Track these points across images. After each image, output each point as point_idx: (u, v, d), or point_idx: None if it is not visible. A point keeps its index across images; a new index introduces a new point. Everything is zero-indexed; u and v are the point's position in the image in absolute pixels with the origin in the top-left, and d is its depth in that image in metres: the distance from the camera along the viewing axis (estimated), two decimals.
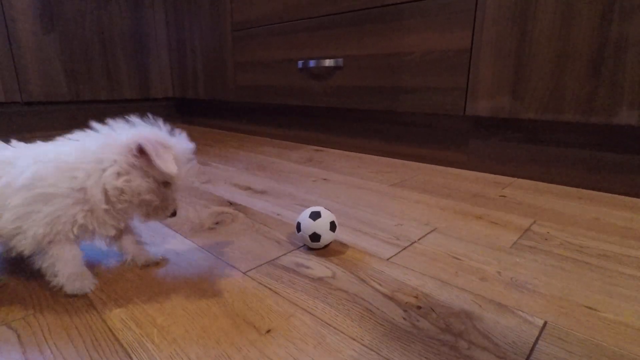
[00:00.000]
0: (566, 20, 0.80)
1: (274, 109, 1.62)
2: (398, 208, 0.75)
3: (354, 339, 0.37)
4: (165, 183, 0.46)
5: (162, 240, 0.61)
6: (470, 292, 0.45)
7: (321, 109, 1.42)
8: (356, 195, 0.83)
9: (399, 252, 0.56)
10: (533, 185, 0.92)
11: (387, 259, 0.54)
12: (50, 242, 0.42)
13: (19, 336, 0.38)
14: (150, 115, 0.47)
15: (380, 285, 0.47)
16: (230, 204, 0.78)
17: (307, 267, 0.51)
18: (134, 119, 0.46)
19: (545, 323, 0.39)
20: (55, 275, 0.44)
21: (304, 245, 0.58)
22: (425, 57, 1.04)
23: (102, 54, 1.80)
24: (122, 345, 0.37)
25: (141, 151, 0.42)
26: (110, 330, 0.39)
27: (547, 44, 0.84)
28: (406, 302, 0.43)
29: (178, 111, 2.21)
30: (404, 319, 0.40)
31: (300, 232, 0.56)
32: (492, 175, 1.00)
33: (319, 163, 1.16)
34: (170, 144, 0.44)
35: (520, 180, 0.96)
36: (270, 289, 0.46)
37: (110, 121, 0.47)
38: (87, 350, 0.36)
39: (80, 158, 0.43)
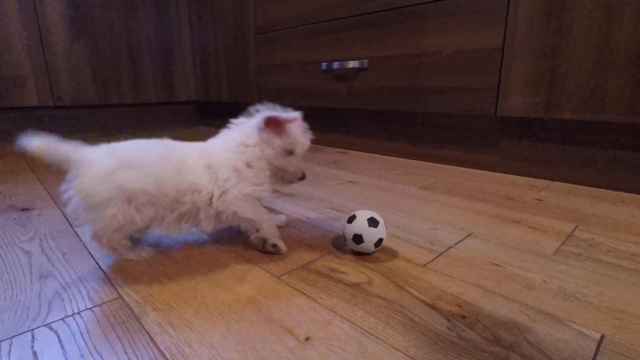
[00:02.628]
0: (607, 15, 0.76)
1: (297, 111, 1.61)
2: (430, 211, 0.73)
3: (397, 349, 0.36)
4: (289, 152, 0.57)
5: (193, 243, 0.60)
6: (517, 302, 0.43)
7: (345, 110, 1.41)
8: (385, 198, 0.82)
9: (436, 257, 0.54)
10: (570, 188, 0.87)
11: (424, 265, 0.52)
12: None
13: (58, 337, 0.38)
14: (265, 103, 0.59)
15: (419, 292, 0.45)
16: None
17: (342, 273, 0.50)
18: (260, 107, 0.58)
19: (602, 337, 0.37)
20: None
21: (339, 248, 0.57)
22: (453, 57, 1.01)
23: (129, 59, 1.84)
24: (160, 350, 0.36)
25: (267, 124, 0.55)
26: (148, 333, 0.38)
27: (586, 40, 0.80)
28: (449, 311, 0.41)
29: (201, 114, 2.24)
30: (448, 329, 0.38)
31: (363, 243, 0.52)
32: (526, 178, 0.96)
33: (344, 165, 1.15)
34: (290, 116, 0.55)
35: (556, 183, 0.92)
36: (305, 294, 0.45)
37: (251, 112, 0.59)
38: (125, 352, 0.36)
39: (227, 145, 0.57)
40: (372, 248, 0.53)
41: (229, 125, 0.60)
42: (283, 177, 0.58)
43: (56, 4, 1.59)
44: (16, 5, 1.50)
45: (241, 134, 0.57)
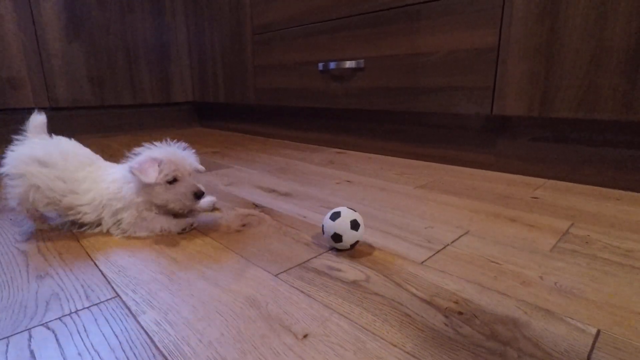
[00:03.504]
0: (600, 15, 0.77)
1: (294, 112, 1.62)
2: (427, 210, 0.73)
3: (395, 346, 0.36)
4: (170, 182, 0.62)
5: (190, 242, 0.60)
6: (513, 298, 0.43)
7: (342, 110, 1.41)
8: (382, 197, 0.82)
9: (433, 255, 0.54)
10: (566, 186, 0.88)
11: (421, 263, 0.52)
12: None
13: (55, 336, 0.38)
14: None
15: (416, 289, 0.45)
16: (256, 206, 0.78)
17: (339, 270, 0.50)
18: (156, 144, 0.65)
19: (598, 331, 0.37)
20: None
21: (333, 247, 0.57)
22: (449, 56, 1.01)
23: (125, 60, 1.84)
24: (158, 348, 0.36)
25: (134, 172, 0.59)
26: (145, 332, 0.38)
27: (580, 40, 0.80)
28: (446, 308, 0.41)
29: (198, 115, 2.24)
30: (445, 325, 0.39)
31: (324, 235, 0.55)
32: (522, 177, 0.97)
33: (341, 165, 1.15)
34: (159, 157, 0.61)
35: (551, 181, 0.93)
36: (303, 292, 0.45)
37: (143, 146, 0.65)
38: (123, 351, 0.36)
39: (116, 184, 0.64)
40: (347, 247, 0.55)
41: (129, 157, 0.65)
42: (178, 205, 0.64)
43: (52, 5, 1.58)
44: (12, 7, 1.49)
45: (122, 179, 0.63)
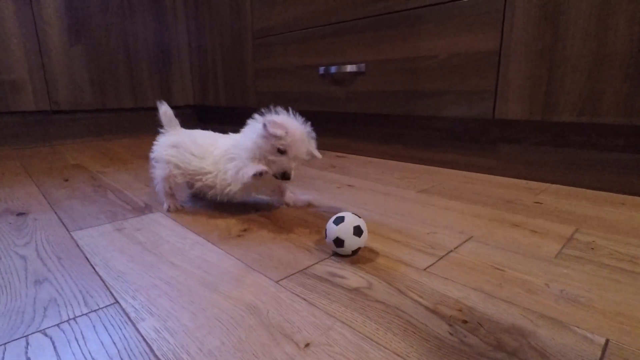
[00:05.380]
0: (603, 18, 0.77)
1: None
2: (429, 215, 0.72)
3: (399, 355, 0.35)
4: (281, 151, 0.65)
5: (190, 247, 0.60)
6: (519, 306, 0.42)
7: (342, 114, 1.41)
8: (384, 202, 0.81)
9: (436, 261, 0.53)
10: (569, 191, 0.87)
11: (424, 269, 0.51)
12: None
13: (53, 343, 0.37)
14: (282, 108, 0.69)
15: (420, 297, 0.45)
16: (256, 210, 0.77)
17: (342, 277, 0.49)
18: (277, 109, 0.69)
19: (607, 341, 0.36)
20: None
21: (335, 253, 0.56)
22: (450, 60, 1.01)
23: (126, 64, 1.84)
24: (157, 356, 0.35)
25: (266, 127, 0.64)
26: (145, 340, 0.38)
27: (582, 43, 0.80)
28: (450, 316, 0.41)
29: (199, 118, 2.24)
30: (450, 334, 0.38)
31: (342, 248, 0.54)
32: (524, 181, 0.96)
33: (342, 169, 1.14)
34: (284, 123, 0.64)
35: (554, 185, 0.92)
36: (305, 299, 0.44)
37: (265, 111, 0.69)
38: (122, 359, 0.35)
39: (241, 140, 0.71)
40: (349, 253, 0.55)
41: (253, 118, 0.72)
42: (273, 170, 0.67)
43: (54, 9, 1.59)
44: (14, 10, 1.50)
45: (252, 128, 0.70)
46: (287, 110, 0.70)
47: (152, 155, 0.78)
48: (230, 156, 0.70)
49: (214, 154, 0.73)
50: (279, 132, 0.63)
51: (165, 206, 0.78)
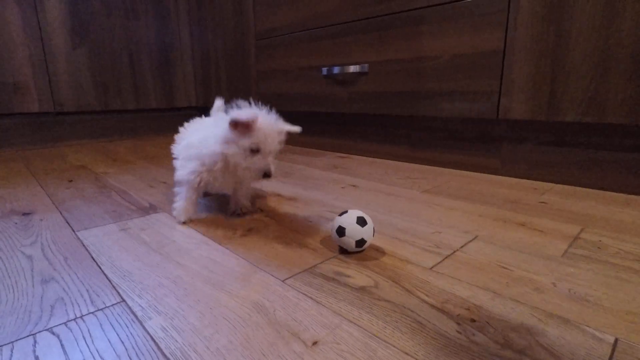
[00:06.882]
0: (607, 18, 0.77)
1: (297, 116, 1.62)
2: (434, 215, 0.72)
3: (407, 354, 0.35)
4: (255, 151, 0.61)
5: (196, 247, 0.60)
6: (527, 305, 0.42)
7: (345, 115, 1.41)
8: (388, 202, 0.81)
9: (442, 260, 0.53)
10: (573, 190, 0.87)
11: (430, 268, 0.51)
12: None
13: (60, 342, 0.37)
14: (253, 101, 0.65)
15: (427, 295, 0.44)
16: (261, 210, 0.77)
17: (348, 276, 0.49)
18: (243, 103, 0.63)
19: (616, 340, 0.36)
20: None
21: (341, 251, 0.56)
22: (453, 60, 1.01)
23: (129, 65, 1.85)
24: (164, 355, 0.35)
25: (233, 125, 0.60)
26: (152, 338, 0.38)
27: (587, 43, 0.80)
28: (458, 315, 0.40)
29: None
30: (458, 332, 0.38)
31: (344, 237, 0.53)
32: (529, 181, 0.96)
33: (345, 169, 1.14)
34: (249, 117, 0.58)
35: (559, 185, 0.92)
36: (311, 298, 0.44)
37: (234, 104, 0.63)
38: (129, 358, 0.35)
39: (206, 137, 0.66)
40: (353, 245, 0.54)
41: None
42: (249, 173, 0.63)
43: (58, 11, 1.59)
44: (18, 12, 1.51)
45: (214, 129, 0.65)
46: (249, 103, 0.64)
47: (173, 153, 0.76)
48: (193, 152, 0.67)
49: (183, 141, 0.72)
50: (249, 118, 0.59)
51: (183, 218, 0.71)
